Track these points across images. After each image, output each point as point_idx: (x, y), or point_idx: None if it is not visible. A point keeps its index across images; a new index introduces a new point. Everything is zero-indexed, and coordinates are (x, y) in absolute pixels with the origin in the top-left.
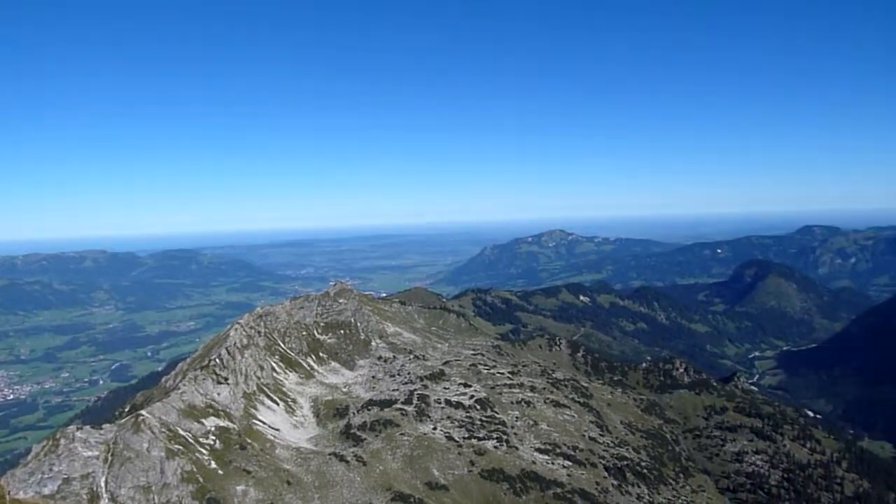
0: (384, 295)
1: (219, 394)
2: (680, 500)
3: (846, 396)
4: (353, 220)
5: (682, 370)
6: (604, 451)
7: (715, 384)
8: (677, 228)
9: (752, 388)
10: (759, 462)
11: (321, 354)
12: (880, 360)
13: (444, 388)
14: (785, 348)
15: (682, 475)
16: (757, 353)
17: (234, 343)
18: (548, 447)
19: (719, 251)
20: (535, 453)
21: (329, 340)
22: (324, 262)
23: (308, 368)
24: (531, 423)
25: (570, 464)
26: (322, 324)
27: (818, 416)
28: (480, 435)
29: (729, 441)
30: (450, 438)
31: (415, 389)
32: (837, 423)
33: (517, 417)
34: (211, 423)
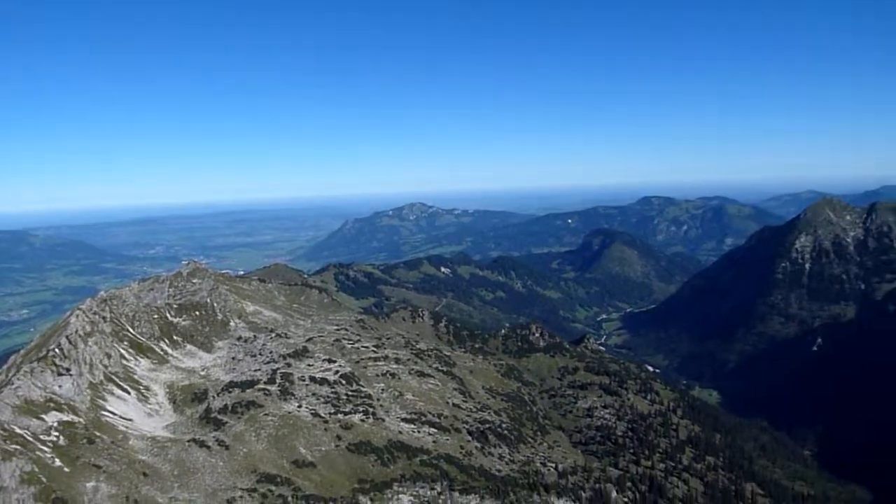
0: (242, 273)
1: (60, 386)
2: (538, 457)
3: (680, 351)
4: (207, 196)
5: (537, 335)
6: (467, 416)
7: (567, 346)
8: (532, 200)
9: (601, 348)
10: (607, 415)
11: (175, 338)
12: (707, 317)
13: (308, 365)
14: (628, 310)
15: (539, 433)
16: (604, 316)
17: (76, 330)
18: (413, 416)
19: (570, 221)
20: (402, 423)
21: (183, 323)
22: (175, 241)
23: (161, 353)
24: (397, 394)
25: (436, 431)
26: (175, 306)
27: (657, 370)
28: (346, 409)
29: (581, 398)
30: (315, 415)
31: (277, 368)
32: (673, 376)
33: (383, 390)
34: (53, 418)
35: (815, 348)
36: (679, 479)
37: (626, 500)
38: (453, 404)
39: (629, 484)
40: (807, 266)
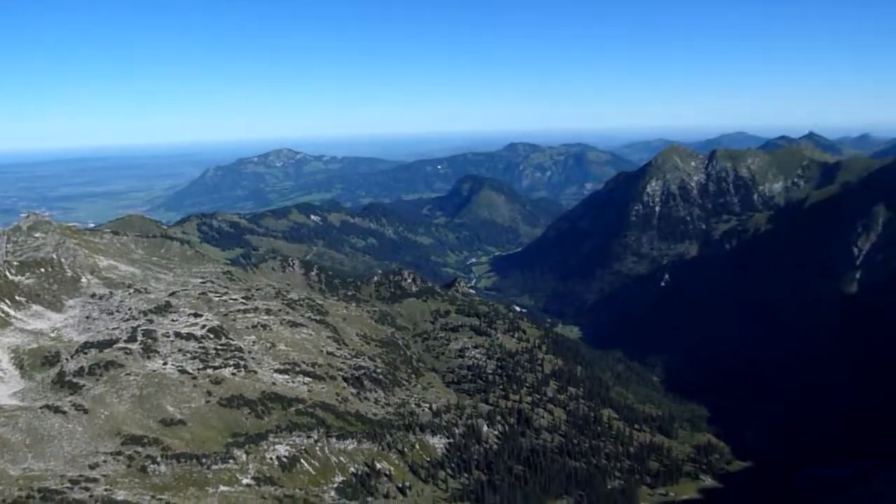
0: (93, 225)
1: None
2: (413, 398)
3: (545, 291)
4: (48, 142)
5: (410, 280)
6: (342, 363)
7: (439, 291)
8: (401, 146)
9: (471, 291)
10: (477, 355)
11: (18, 298)
12: (569, 258)
13: (172, 320)
14: (497, 254)
15: (413, 376)
16: (474, 260)
17: None
18: (287, 367)
19: (440, 168)
20: (275, 374)
21: (27, 281)
22: (11, 192)
23: (2, 316)
24: (269, 345)
25: (311, 380)
26: (16, 263)
27: (524, 310)
28: (216, 364)
29: (453, 340)
30: (183, 372)
31: (138, 325)
32: (539, 315)
33: (254, 342)
34: None
35: (663, 284)
36: (544, 409)
37: (496, 433)
38: (327, 352)
39: (499, 417)
40: (657, 209)
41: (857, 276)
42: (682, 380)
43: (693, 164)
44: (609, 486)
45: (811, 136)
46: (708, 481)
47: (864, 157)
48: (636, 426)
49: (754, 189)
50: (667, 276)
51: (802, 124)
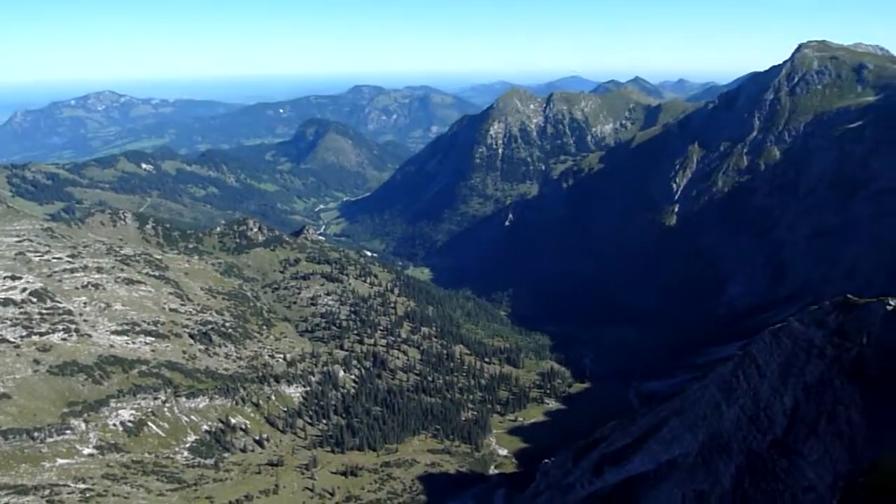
0: None
1: None
2: (265, 350)
3: (396, 235)
4: None
5: (256, 230)
6: (187, 319)
7: (288, 239)
8: (239, 89)
9: (321, 238)
10: (330, 302)
11: None
12: (418, 201)
13: None
14: (345, 199)
15: (265, 327)
16: (322, 206)
17: None
18: (126, 328)
19: (282, 111)
20: (113, 336)
21: None
22: None
23: None
24: (103, 306)
25: (153, 339)
26: None
27: (375, 254)
28: (42, 330)
29: (304, 289)
30: (3, 341)
31: None
32: (390, 259)
33: (85, 303)
34: None
35: (507, 223)
36: (399, 350)
37: (353, 377)
38: (170, 309)
39: (355, 362)
40: (500, 151)
41: (676, 209)
42: (527, 312)
43: (532, 107)
44: (463, 418)
45: (637, 81)
46: (552, 404)
47: (681, 101)
48: (486, 359)
49: (588, 131)
50: (511, 216)
51: (629, 70)
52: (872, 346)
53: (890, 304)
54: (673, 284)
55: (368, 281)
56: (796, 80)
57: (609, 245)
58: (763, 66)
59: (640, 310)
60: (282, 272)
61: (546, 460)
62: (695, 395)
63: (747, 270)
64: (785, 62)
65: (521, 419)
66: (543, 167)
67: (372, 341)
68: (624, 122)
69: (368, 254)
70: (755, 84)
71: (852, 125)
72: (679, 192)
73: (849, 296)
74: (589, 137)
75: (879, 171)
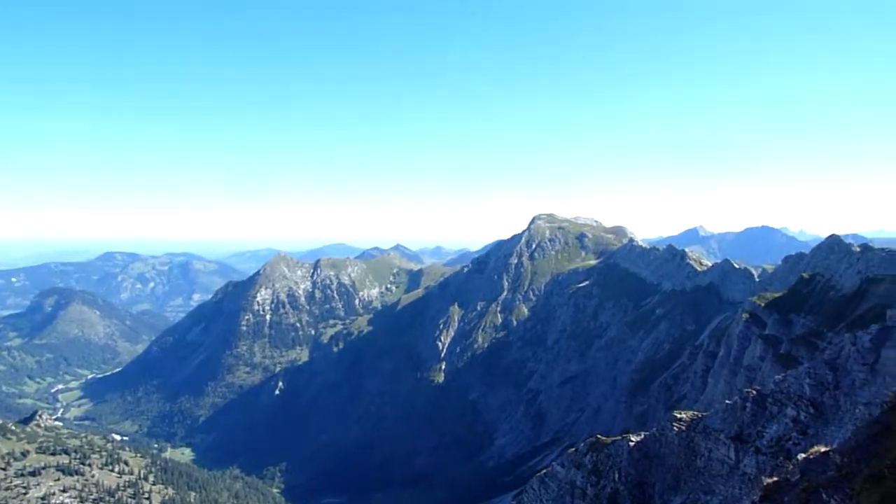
0: None
1: None
2: None
3: (151, 413)
4: None
5: None
6: None
7: (13, 428)
8: None
9: (58, 423)
10: (67, 501)
11: None
12: (178, 374)
13: None
14: (90, 376)
15: None
16: (61, 386)
17: None
18: None
19: (15, 280)
20: None
21: None
22: None
23: None
24: None
25: None
26: None
27: (126, 437)
28: None
29: (33, 486)
30: None
31: None
32: (144, 441)
33: None
34: None
35: (277, 392)
36: None
37: None
38: None
39: None
40: (267, 317)
41: (443, 366)
42: (302, 486)
43: (300, 272)
44: None
45: (398, 248)
46: None
47: (439, 266)
48: None
49: (355, 294)
50: (281, 384)
51: (391, 238)
52: (623, 480)
53: (632, 441)
54: (445, 441)
55: (117, 469)
56: (534, 246)
57: (382, 407)
58: (506, 234)
59: (417, 471)
60: (4, 469)
61: None
62: None
63: (511, 420)
64: (523, 231)
65: None
66: (313, 332)
67: None
68: (389, 285)
69: (118, 437)
70: (501, 250)
71: (582, 284)
72: (445, 350)
73: (598, 436)
74: (357, 301)
75: (607, 323)
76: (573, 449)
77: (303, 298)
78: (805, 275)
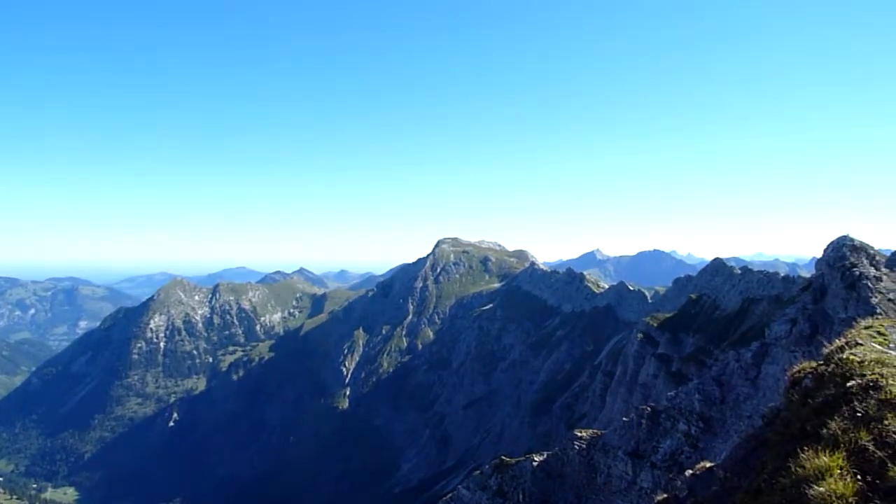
0: None
1: None
2: None
3: (30, 450)
4: None
5: None
6: None
7: None
8: None
9: None
10: None
11: None
12: (60, 407)
13: None
14: None
15: None
16: None
17: None
18: None
19: None
20: None
21: None
22: None
23: None
24: None
25: None
26: None
27: (1, 478)
28: None
29: None
30: None
31: None
32: (21, 481)
33: None
34: None
35: (172, 423)
36: None
37: None
38: None
39: None
40: (162, 344)
41: (348, 392)
42: None
43: (197, 297)
44: None
45: (301, 272)
46: None
47: (344, 290)
48: None
49: (257, 320)
50: (176, 415)
51: (294, 261)
52: (527, 500)
53: (535, 461)
54: (352, 469)
55: None
56: (439, 270)
57: (285, 435)
58: (411, 258)
59: (322, 502)
60: None
61: None
62: None
63: (417, 445)
64: (428, 255)
65: None
66: (211, 359)
67: None
68: (292, 310)
69: None
70: (406, 274)
71: (486, 307)
72: (349, 376)
73: (503, 457)
74: (258, 327)
75: (510, 345)
76: (478, 471)
77: (200, 325)
78: (693, 296)
